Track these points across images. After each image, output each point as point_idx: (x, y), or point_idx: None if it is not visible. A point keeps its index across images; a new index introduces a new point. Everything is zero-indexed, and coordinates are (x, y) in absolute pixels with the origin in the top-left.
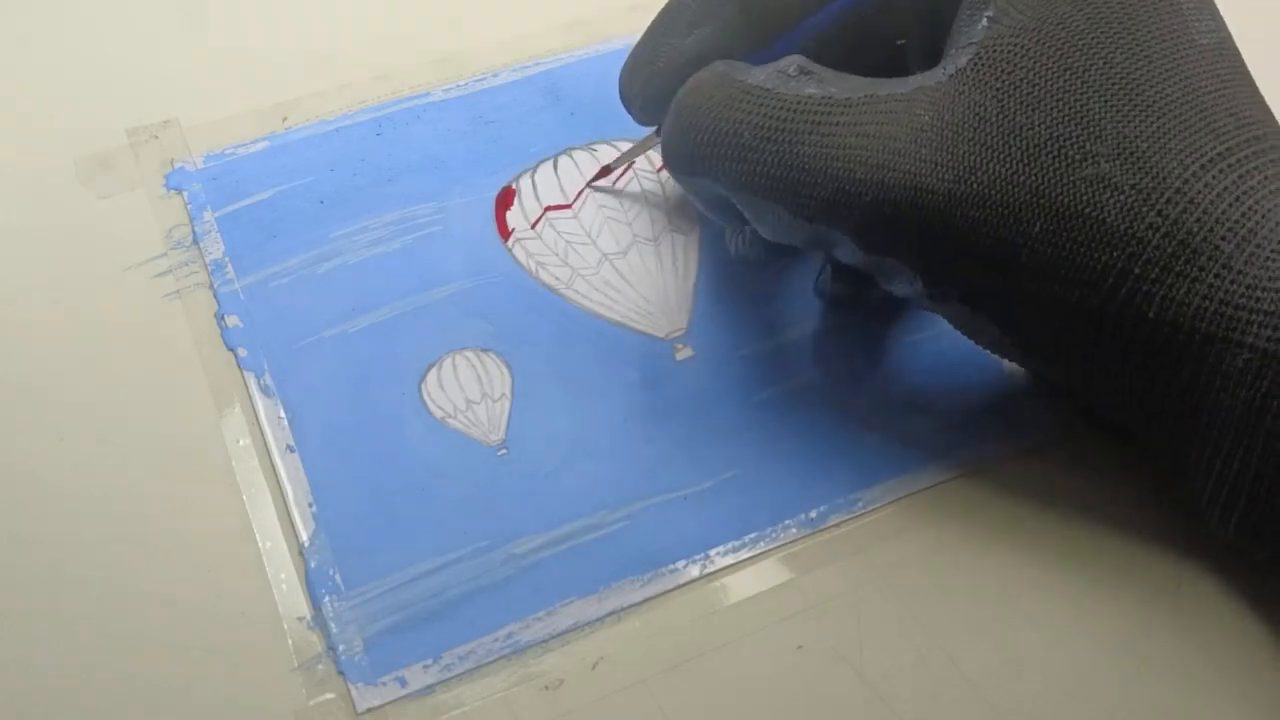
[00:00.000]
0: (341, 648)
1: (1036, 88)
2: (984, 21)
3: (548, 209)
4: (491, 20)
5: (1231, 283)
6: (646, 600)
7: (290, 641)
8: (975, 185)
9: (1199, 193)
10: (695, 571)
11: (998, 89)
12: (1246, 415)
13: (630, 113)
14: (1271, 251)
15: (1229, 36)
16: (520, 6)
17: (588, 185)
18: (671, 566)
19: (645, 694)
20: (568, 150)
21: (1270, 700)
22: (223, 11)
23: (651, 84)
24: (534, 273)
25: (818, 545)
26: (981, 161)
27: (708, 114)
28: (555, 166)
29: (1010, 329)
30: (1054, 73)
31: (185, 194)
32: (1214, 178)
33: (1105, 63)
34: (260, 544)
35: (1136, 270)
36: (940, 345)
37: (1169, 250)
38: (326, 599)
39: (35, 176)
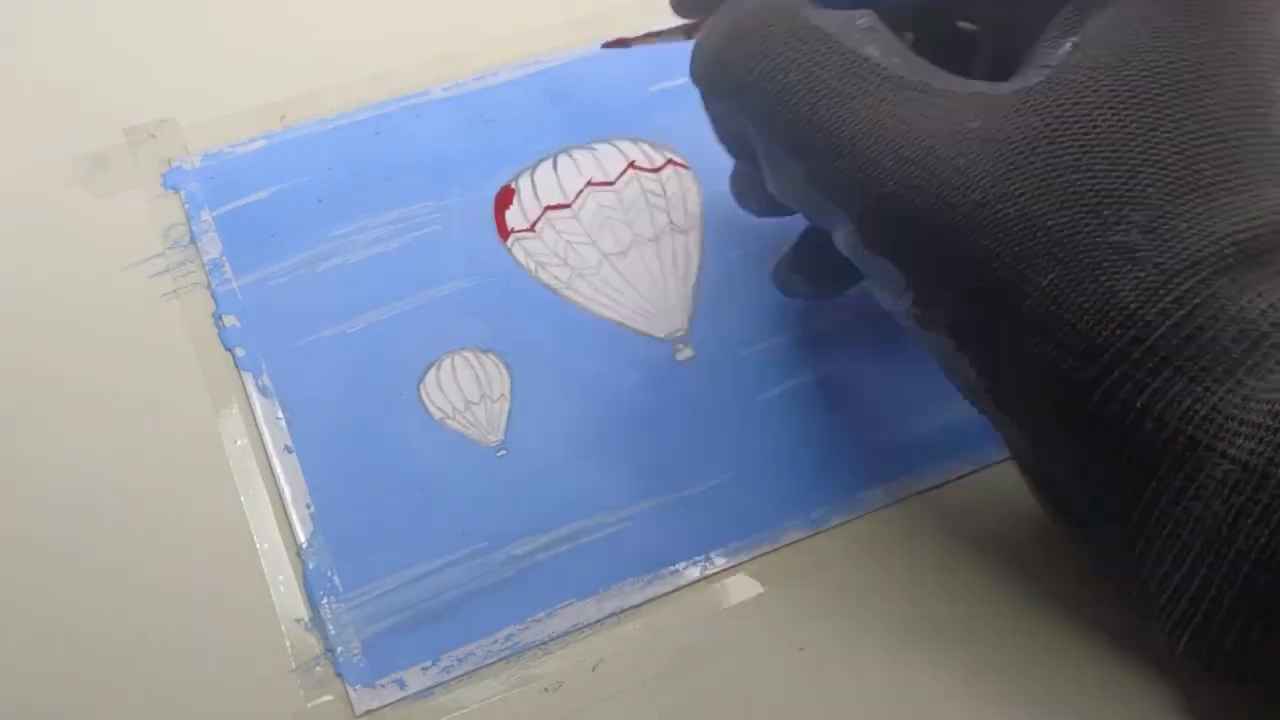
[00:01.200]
0: (340, 649)
1: (1096, 130)
2: (1067, 46)
3: (547, 209)
4: (491, 19)
5: (1229, 390)
6: (647, 602)
7: (288, 643)
8: (1000, 215)
9: (1223, 287)
10: (695, 573)
11: (1056, 118)
12: (1216, 529)
13: (671, 2)
14: (1277, 363)
15: None
16: (520, 6)
17: (604, 46)
18: (672, 568)
19: (645, 696)
20: (567, 150)
21: None
22: (220, 10)
23: None
24: (534, 273)
25: (818, 546)
26: (1014, 191)
27: (762, 39)
28: (555, 166)
29: (989, 376)
30: (1119, 121)
31: (183, 193)
32: (1250, 274)
33: (1175, 127)
34: (258, 545)
35: (1135, 355)
36: None
37: (1174, 342)
38: (325, 600)
39: (32, 176)
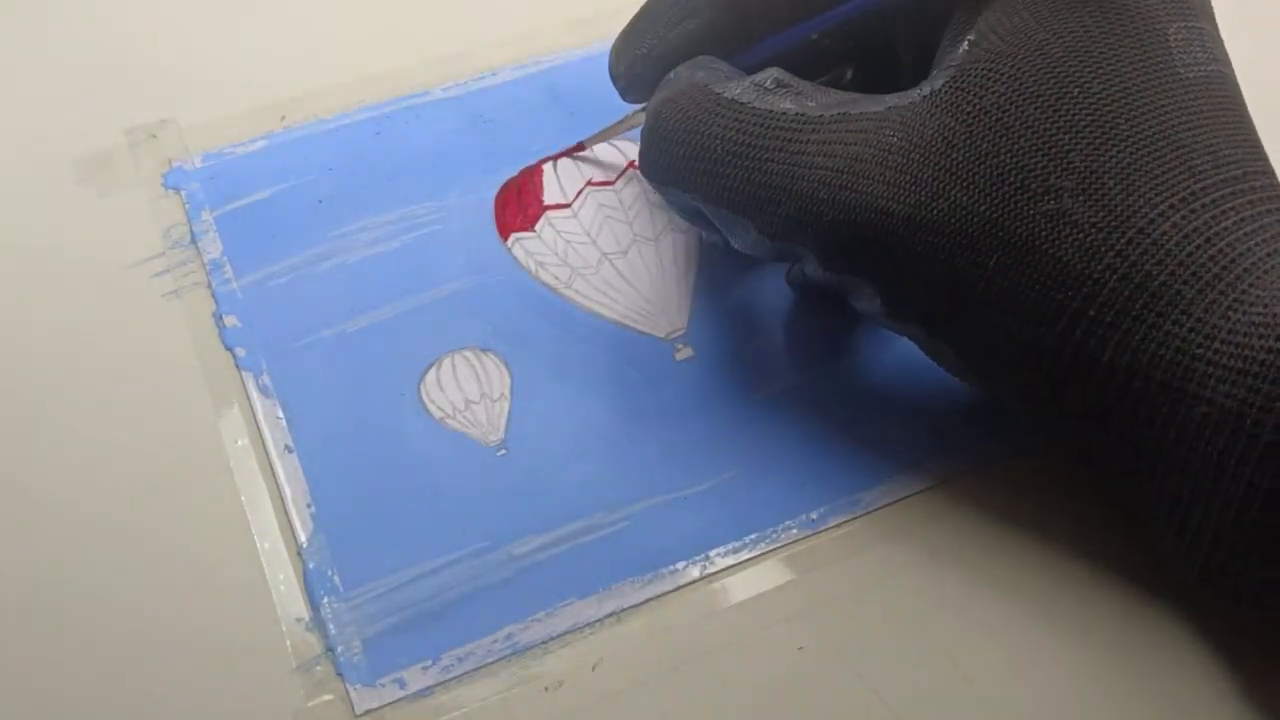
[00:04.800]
0: (340, 649)
1: (1006, 114)
2: (964, 45)
3: (547, 208)
4: (491, 19)
5: (1191, 330)
6: (646, 601)
7: (289, 643)
8: (935, 211)
9: (1164, 233)
10: (695, 572)
11: (968, 113)
12: (1204, 470)
13: (617, 89)
14: (1234, 300)
15: (1222, 70)
16: (520, 5)
17: (564, 154)
18: (671, 567)
19: (645, 695)
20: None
21: (1267, 694)
22: (221, 10)
23: (635, 68)
24: (534, 272)
25: (818, 546)
26: (943, 187)
27: (682, 127)
28: (555, 166)
29: (967, 356)
30: (1026, 100)
31: (183, 193)
32: (1183, 218)
33: (1081, 92)
34: (259, 545)
35: (1091, 312)
36: None
37: (1126, 293)
38: (325, 600)
39: (33, 176)
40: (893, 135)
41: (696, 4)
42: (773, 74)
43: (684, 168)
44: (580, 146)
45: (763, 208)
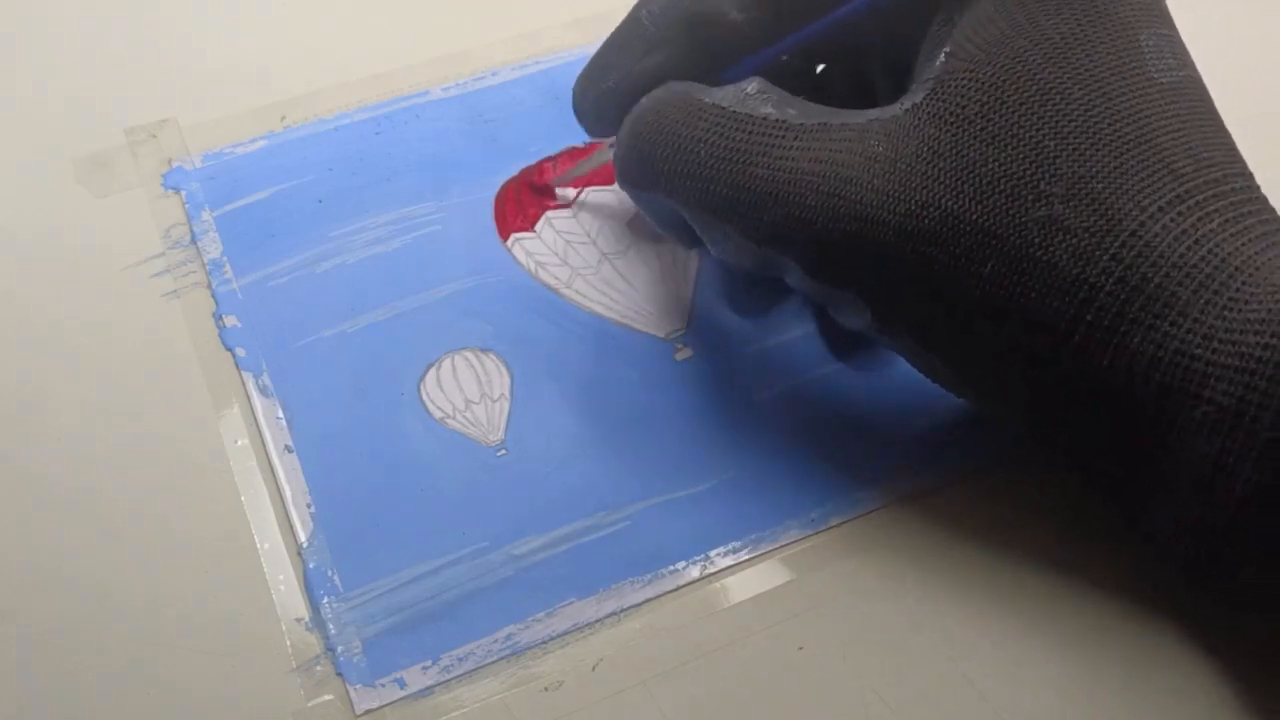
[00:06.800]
0: (340, 649)
1: (991, 122)
2: (941, 57)
3: (547, 208)
4: (491, 19)
5: (1188, 332)
6: (647, 601)
7: (288, 643)
8: (927, 221)
9: (1155, 235)
10: (695, 572)
11: (952, 123)
12: (1204, 470)
13: (582, 125)
14: (1229, 300)
15: (1191, 75)
16: (520, 5)
17: (546, 210)
18: (672, 567)
19: (645, 695)
20: (568, 149)
21: (1262, 695)
22: (220, 11)
23: (602, 102)
24: (534, 273)
25: (818, 546)
26: (934, 197)
27: (663, 130)
28: (555, 166)
29: (962, 368)
30: (1009, 108)
31: (183, 193)
32: (1171, 220)
33: (1062, 98)
34: (258, 545)
35: (1089, 317)
36: None
37: (1122, 296)
38: (325, 600)
39: (33, 176)
40: (877, 145)
41: (659, 36)
42: (754, 81)
43: (665, 171)
44: (550, 193)
45: (747, 213)
